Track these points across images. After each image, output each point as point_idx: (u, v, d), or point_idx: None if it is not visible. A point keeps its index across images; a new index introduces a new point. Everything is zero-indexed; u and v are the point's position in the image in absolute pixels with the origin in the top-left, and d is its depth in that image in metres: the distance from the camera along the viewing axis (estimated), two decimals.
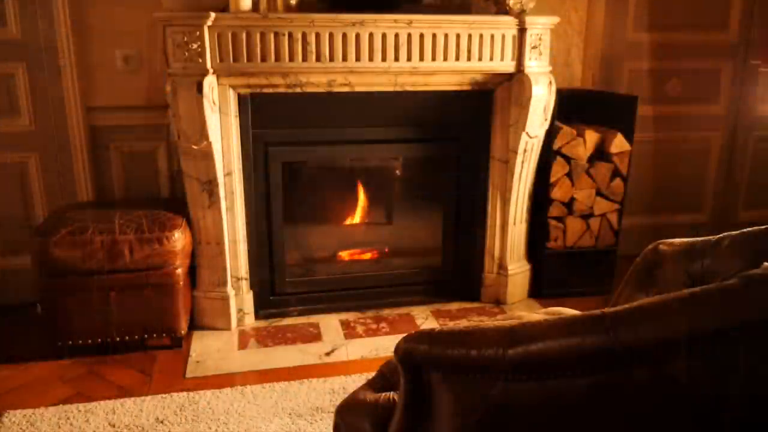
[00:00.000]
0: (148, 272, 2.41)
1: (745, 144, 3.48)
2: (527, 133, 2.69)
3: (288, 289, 2.87)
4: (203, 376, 2.36)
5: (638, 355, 0.77)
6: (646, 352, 0.77)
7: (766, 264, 0.83)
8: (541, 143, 2.81)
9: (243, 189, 2.62)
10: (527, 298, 3.04)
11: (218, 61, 2.38)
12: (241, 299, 2.73)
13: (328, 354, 2.53)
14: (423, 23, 2.49)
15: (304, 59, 2.44)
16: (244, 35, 2.37)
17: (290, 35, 2.41)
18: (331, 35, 2.44)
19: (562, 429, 0.85)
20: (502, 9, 2.60)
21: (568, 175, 2.89)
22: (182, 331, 2.53)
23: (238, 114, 2.53)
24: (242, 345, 2.60)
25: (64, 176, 2.80)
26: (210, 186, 2.52)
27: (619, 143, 2.88)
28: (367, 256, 3.08)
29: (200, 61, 2.35)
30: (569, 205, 2.94)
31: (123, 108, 2.77)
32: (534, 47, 2.63)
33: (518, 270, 2.98)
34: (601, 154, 2.93)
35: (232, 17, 2.36)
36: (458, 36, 2.54)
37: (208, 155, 2.46)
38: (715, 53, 3.32)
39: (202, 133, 2.40)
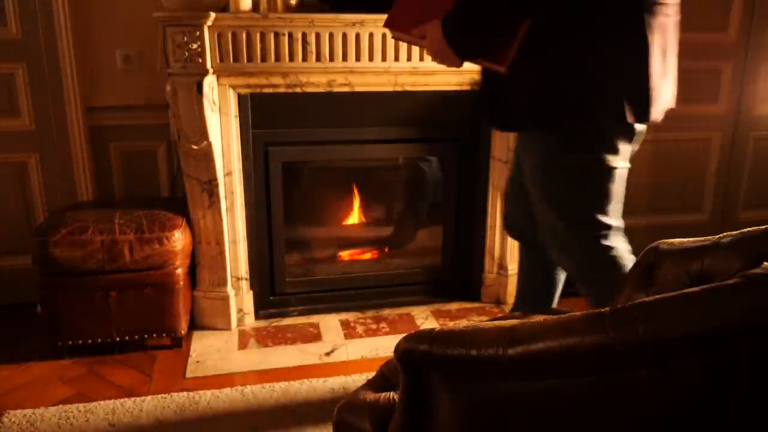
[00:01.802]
0: (148, 272, 2.42)
1: (745, 144, 3.47)
2: None
3: (288, 289, 2.87)
4: (203, 376, 2.36)
5: (638, 355, 0.77)
6: (646, 352, 0.77)
7: (766, 264, 0.83)
8: None
9: (243, 189, 2.62)
10: None
11: (218, 61, 2.38)
12: (241, 299, 2.73)
13: (328, 354, 2.53)
14: None
15: (304, 59, 2.44)
16: (244, 35, 2.38)
17: (290, 35, 2.41)
18: (331, 35, 2.44)
19: (562, 429, 0.85)
20: None
21: None
22: (182, 331, 2.53)
23: (238, 114, 2.53)
24: (242, 345, 2.60)
25: (64, 176, 2.79)
26: (210, 186, 2.52)
27: None
28: (367, 256, 3.08)
29: (200, 61, 2.35)
30: None
31: (123, 108, 2.77)
32: None
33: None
34: None
35: (232, 17, 2.36)
36: None
37: (208, 155, 2.46)
38: (715, 53, 3.32)
39: (202, 133, 2.40)
